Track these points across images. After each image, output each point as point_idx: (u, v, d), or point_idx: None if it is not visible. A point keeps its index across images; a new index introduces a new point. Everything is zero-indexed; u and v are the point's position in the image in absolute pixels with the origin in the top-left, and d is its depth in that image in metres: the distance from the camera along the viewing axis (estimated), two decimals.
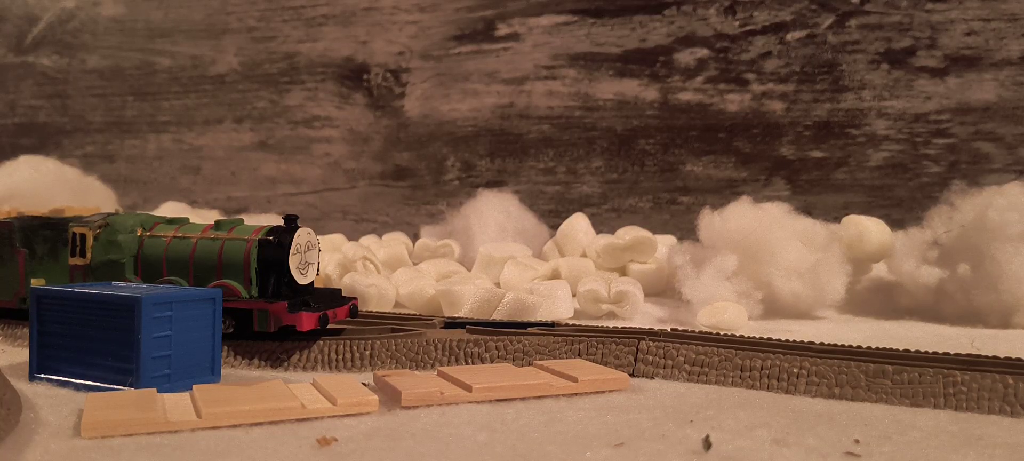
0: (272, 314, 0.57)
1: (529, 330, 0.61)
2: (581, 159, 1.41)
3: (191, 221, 0.65)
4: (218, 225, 0.62)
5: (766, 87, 1.32)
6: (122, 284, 0.56)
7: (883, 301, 0.89)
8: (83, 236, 0.63)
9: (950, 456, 0.39)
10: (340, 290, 0.66)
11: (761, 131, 1.33)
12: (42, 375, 0.52)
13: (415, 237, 1.18)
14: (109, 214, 0.65)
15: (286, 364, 0.58)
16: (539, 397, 0.49)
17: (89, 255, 0.63)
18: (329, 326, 0.59)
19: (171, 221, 0.64)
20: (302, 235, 0.59)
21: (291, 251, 0.58)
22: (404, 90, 1.49)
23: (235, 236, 0.60)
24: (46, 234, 0.66)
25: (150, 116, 1.64)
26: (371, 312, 0.72)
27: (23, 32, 1.70)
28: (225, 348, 0.58)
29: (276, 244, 0.58)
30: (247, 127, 1.58)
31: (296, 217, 0.60)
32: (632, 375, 0.56)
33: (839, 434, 0.42)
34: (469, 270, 0.97)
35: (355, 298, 0.64)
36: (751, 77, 1.32)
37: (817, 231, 0.84)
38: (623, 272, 0.98)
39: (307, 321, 0.56)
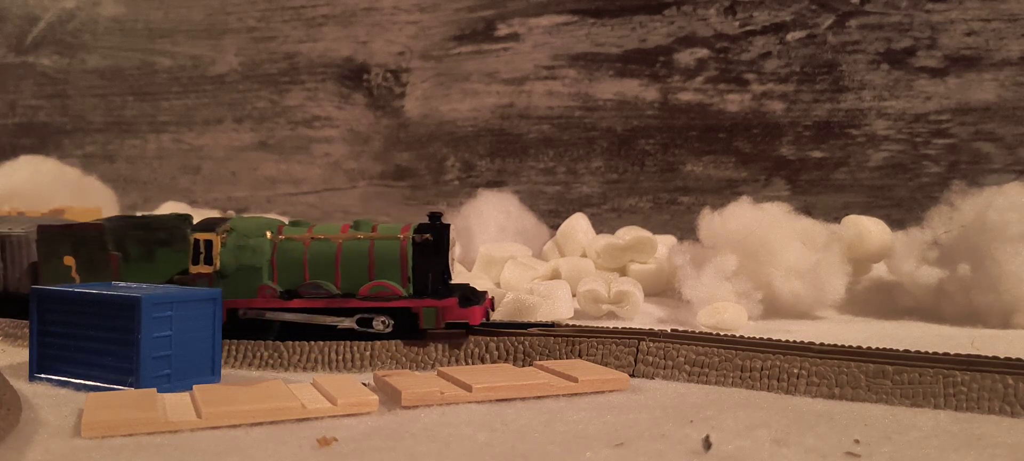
0: (441, 311, 0.57)
1: (529, 330, 0.61)
2: (581, 159, 1.41)
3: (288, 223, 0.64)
4: (356, 225, 0.61)
5: (766, 87, 1.32)
6: (121, 284, 0.55)
7: (883, 301, 0.89)
8: (209, 243, 0.61)
9: (950, 456, 0.39)
10: (471, 285, 0.65)
11: (761, 131, 1.33)
12: (42, 375, 0.52)
13: None
14: (221, 219, 0.63)
15: (286, 364, 0.58)
16: (539, 397, 0.49)
17: (217, 262, 0.61)
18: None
19: (295, 224, 0.64)
20: (451, 233, 0.60)
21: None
22: (404, 90, 1.49)
23: (386, 235, 0.60)
24: (138, 235, 0.64)
25: (150, 116, 1.64)
26: None
27: (23, 32, 1.70)
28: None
29: (434, 241, 0.59)
30: (247, 127, 1.58)
31: (441, 213, 0.60)
32: (632, 375, 0.56)
33: (839, 434, 0.42)
34: (469, 270, 0.97)
35: (489, 293, 0.64)
36: (751, 77, 1.32)
37: (817, 231, 0.84)
38: (623, 272, 0.98)
39: (478, 315, 0.57)
